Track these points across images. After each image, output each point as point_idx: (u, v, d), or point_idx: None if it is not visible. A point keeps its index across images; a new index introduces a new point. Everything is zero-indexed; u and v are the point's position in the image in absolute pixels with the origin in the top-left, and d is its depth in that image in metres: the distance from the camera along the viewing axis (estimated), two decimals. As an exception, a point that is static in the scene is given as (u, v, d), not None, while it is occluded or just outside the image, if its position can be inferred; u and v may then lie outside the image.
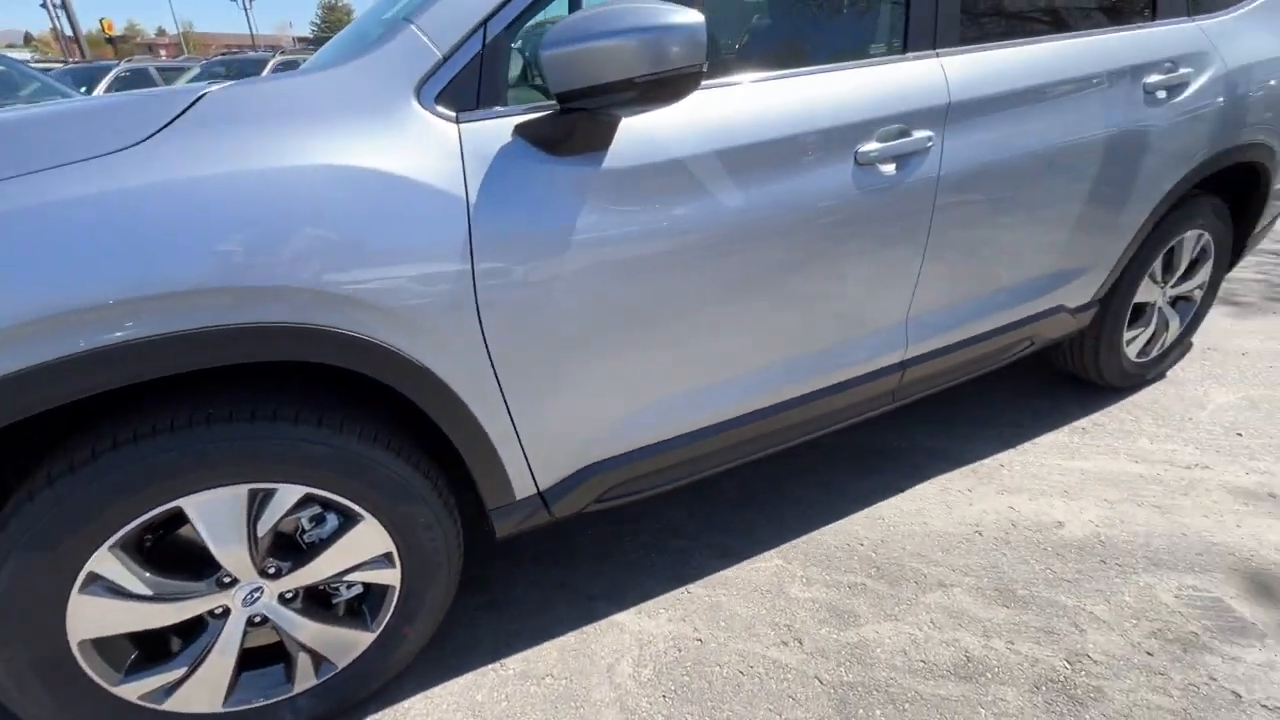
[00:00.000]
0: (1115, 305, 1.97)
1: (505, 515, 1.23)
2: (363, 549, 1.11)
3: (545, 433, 1.17)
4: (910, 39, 1.35)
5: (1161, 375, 2.30)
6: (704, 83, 1.16)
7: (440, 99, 0.97)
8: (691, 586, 1.50)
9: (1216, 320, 2.72)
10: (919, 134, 1.31)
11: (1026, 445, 1.96)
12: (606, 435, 1.25)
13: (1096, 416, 2.09)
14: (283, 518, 1.02)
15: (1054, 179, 1.56)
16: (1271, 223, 2.34)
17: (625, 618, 1.43)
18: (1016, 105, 1.44)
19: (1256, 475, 1.79)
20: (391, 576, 1.15)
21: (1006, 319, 1.71)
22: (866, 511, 1.71)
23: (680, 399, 1.30)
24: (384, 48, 0.96)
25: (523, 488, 1.21)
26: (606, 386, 1.19)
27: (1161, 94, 1.67)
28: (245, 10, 39.97)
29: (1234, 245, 2.23)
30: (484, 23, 0.98)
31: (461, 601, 1.46)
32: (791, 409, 1.45)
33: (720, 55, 1.33)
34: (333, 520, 1.09)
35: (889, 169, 1.30)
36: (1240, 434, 1.97)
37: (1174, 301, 2.19)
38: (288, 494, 1.00)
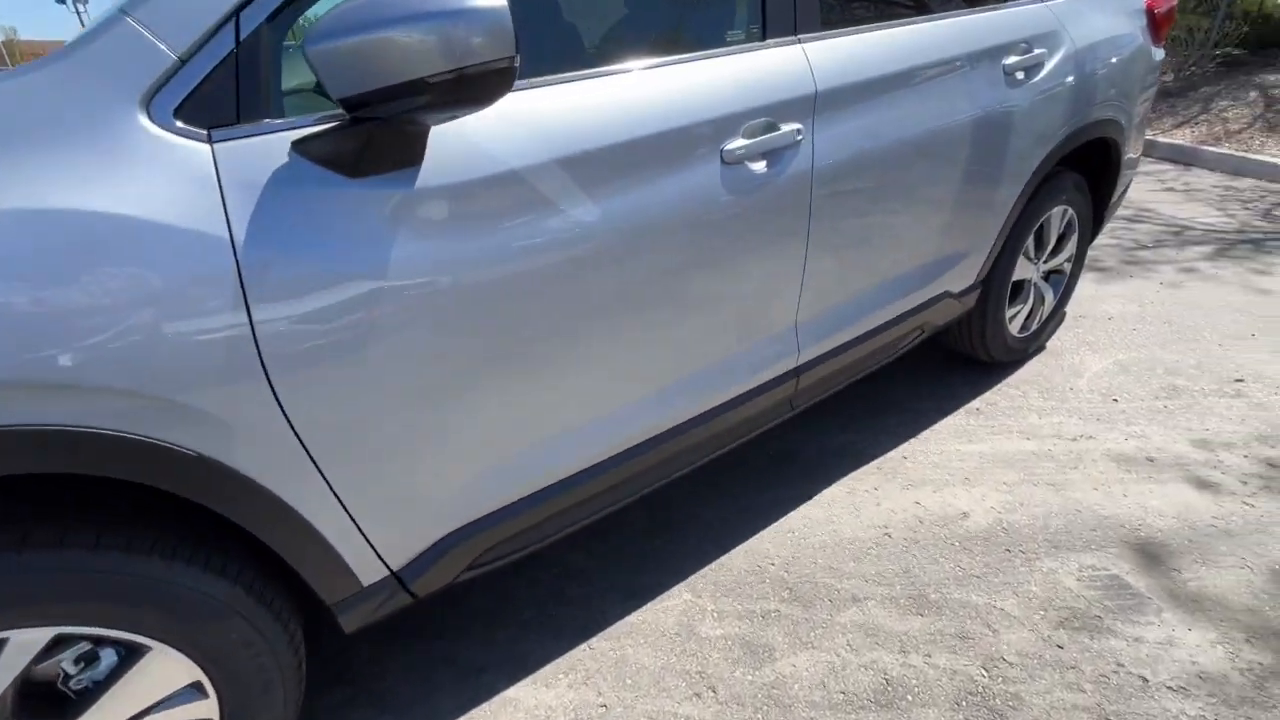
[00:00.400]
0: (996, 285, 1.99)
1: (352, 607, 1.02)
2: (157, 685, 0.87)
3: (387, 505, 0.98)
4: (769, 25, 1.25)
5: (1042, 347, 2.38)
6: (542, 80, 1.00)
7: (181, 113, 0.75)
8: (595, 641, 1.35)
9: (1082, 287, 2.87)
10: (787, 127, 1.21)
11: (926, 433, 1.94)
12: (469, 494, 1.07)
13: (988, 395, 2.11)
14: (27, 667, 0.78)
15: (928, 165, 1.52)
16: (1124, 193, 2.47)
17: (520, 692, 1.26)
18: (885, 92, 1.38)
19: (1135, 440, 1.85)
20: (206, 709, 0.93)
21: (896, 311, 1.67)
22: (776, 525, 1.63)
23: (555, 441, 1.14)
24: (90, 49, 0.73)
25: (370, 572, 1.01)
26: (460, 440, 1.01)
27: (1020, 75, 1.68)
28: (79, 14, 35.74)
29: (1094, 217, 2.34)
30: (235, 13, 0.77)
31: (319, 701, 1.24)
32: (685, 433, 1.32)
33: (561, 49, 1.17)
34: (109, 656, 0.85)
35: (759, 167, 1.19)
36: (1116, 399, 2.05)
37: (1047, 276, 2.26)
38: (24, 641, 0.76)
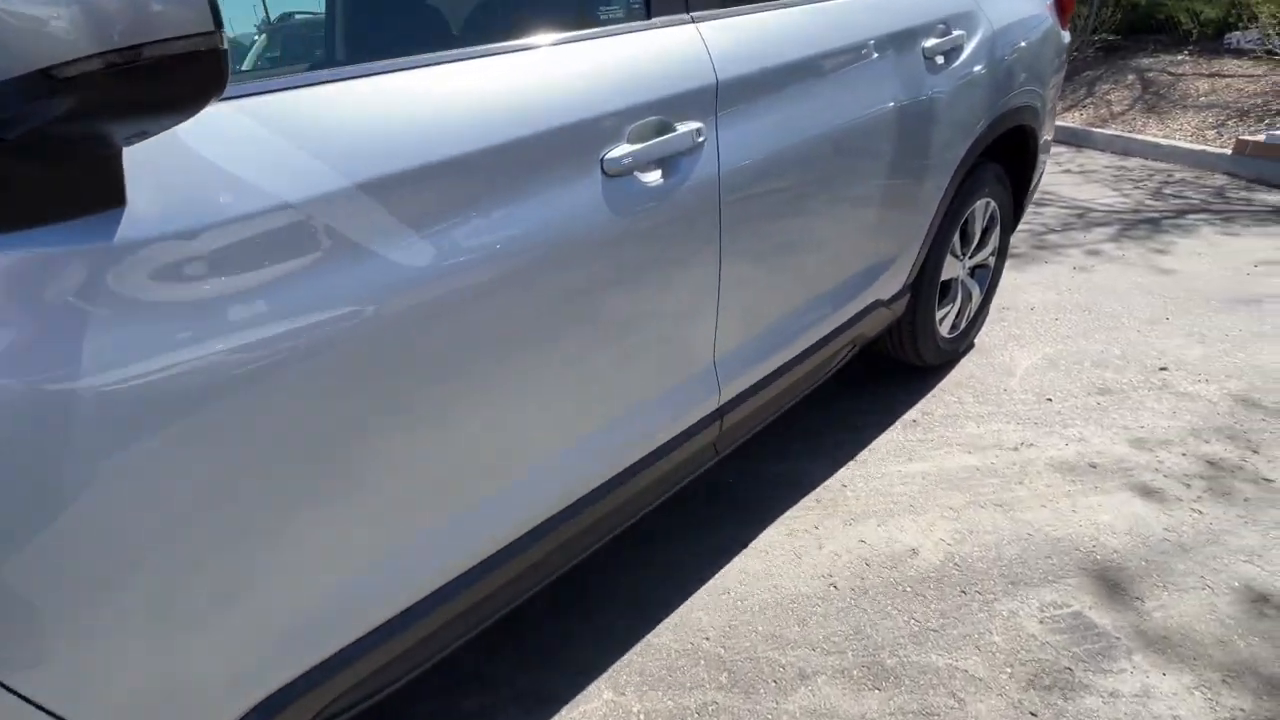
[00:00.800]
0: (925, 288, 1.85)
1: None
2: None
3: (169, 679, 0.68)
4: (655, 0, 1.01)
5: (972, 345, 2.28)
6: (335, 72, 0.72)
7: None
8: (495, 772, 1.09)
9: (1003, 277, 2.82)
10: (685, 127, 0.97)
11: (865, 454, 1.78)
12: (299, 636, 0.79)
13: (924, 404, 1.98)
14: None
15: (851, 164, 1.33)
16: (1039, 181, 2.41)
17: None
18: (798, 80, 1.17)
19: (1075, 445, 1.76)
20: None
21: (826, 329, 1.48)
22: (710, 585, 1.41)
23: (417, 544, 0.87)
24: None
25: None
26: (278, 566, 0.72)
27: (940, 59, 1.52)
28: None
29: (1014, 207, 2.26)
30: None
31: None
32: (590, 505, 1.07)
33: (369, 30, 0.89)
34: None
35: (652, 177, 0.95)
36: (1050, 399, 1.96)
37: (973, 272, 2.16)
38: None
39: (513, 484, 0.95)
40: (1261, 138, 3.95)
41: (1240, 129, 4.55)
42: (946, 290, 2.05)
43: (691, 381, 1.17)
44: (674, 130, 0.95)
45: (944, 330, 2.06)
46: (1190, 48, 6.36)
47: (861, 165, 1.37)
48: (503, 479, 0.93)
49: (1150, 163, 4.53)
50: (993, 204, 2.04)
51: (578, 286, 0.90)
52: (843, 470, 1.72)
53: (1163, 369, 2.07)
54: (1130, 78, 6.17)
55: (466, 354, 0.81)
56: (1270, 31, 4.64)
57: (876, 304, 1.64)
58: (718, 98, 1.01)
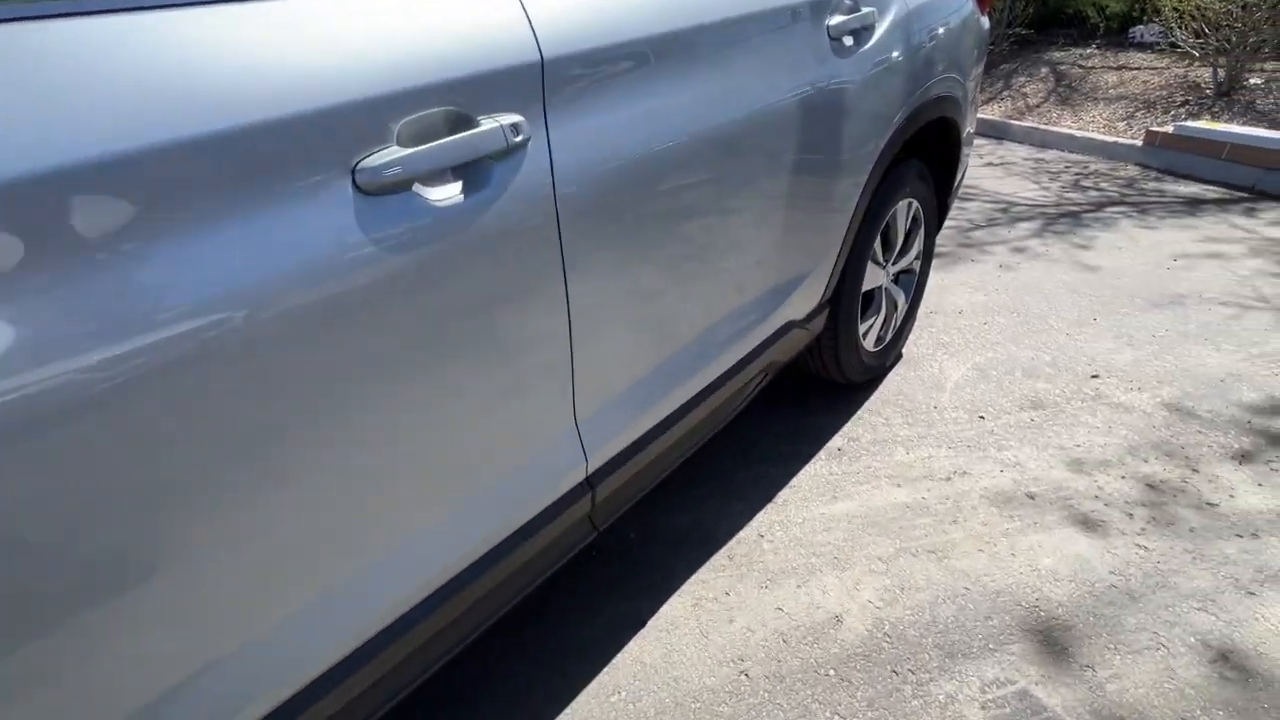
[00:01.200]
0: (846, 301, 1.64)
1: None
2: None
3: None
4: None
5: (900, 356, 2.11)
6: None
7: None
8: None
9: (930, 278, 2.69)
10: (494, 121, 0.70)
11: (784, 494, 1.57)
12: None
13: (850, 428, 1.79)
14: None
15: (744, 167, 1.09)
16: (964, 175, 2.27)
17: None
18: (666, 61, 0.92)
19: (1010, 471, 1.59)
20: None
21: (726, 364, 1.25)
22: (598, 682, 1.15)
23: (206, 682, 0.58)
24: None
25: None
26: None
27: (849, 40, 1.30)
28: None
29: (938, 206, 2.10)
30: None
31: None
32: (426, 617, 0.80)
33: None
34: None
35: (445, 193, 0.68)
36: (983, 416, 1.80)
37: (897, 278, 1.98)
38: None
39: (367, 570, 0.69)
40: (1170, 129, 4.01)
41: (1148, 120, 4.64)
42: (870, 301, 1.86)
43: (546, 451, 0.90)
44: (475, 125, 0.68)
45: (869, 344, 1.87)
46: (1098, 41, 6.55)
47: (757, 168, 1.13)
48: (356, 563, 0.67)
49: (1067, 155, 4.56)
50: (915, 204, 1.86)
51: (339, 349, 0.62)
52: (760, 516, 1.50)
53: (1094, 377, 1.94)
54: (1044, 71, 6.29)
55: (254, 436, 0.53)
56: (1172, 25, 4.75)
57: (790, 326, 1.42)
58: (544, 81, 0.75)
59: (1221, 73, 4.50)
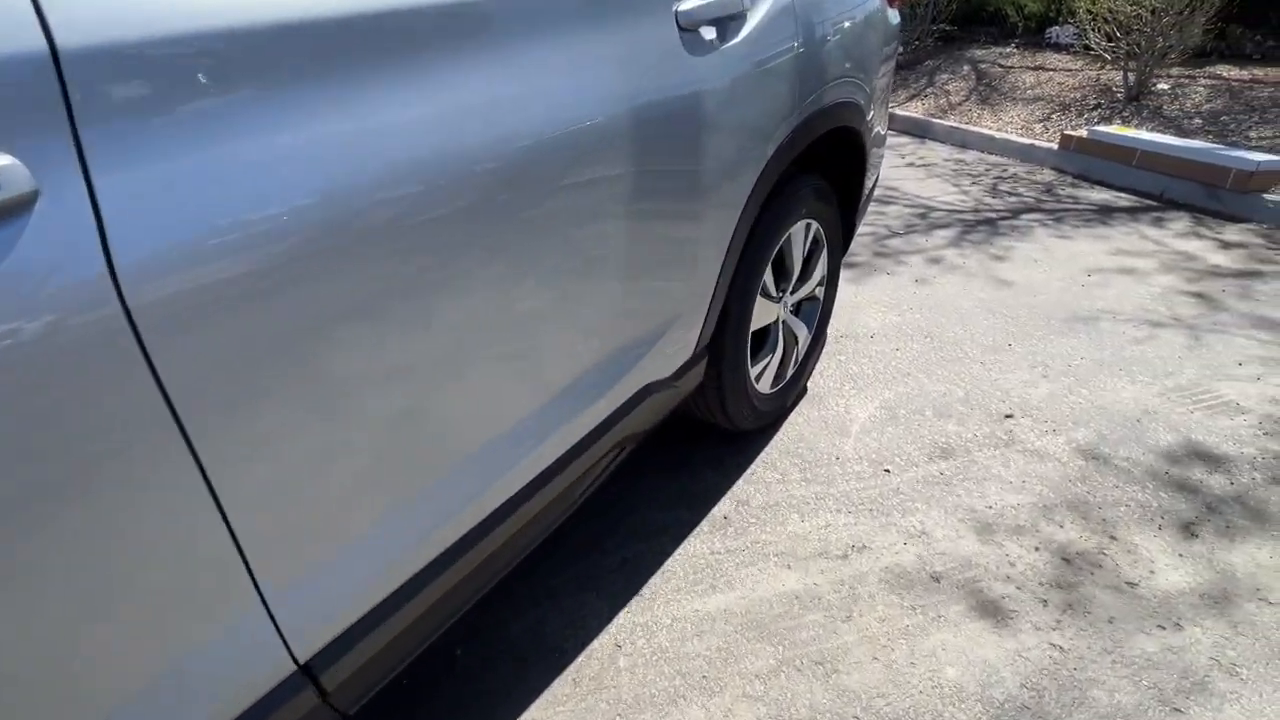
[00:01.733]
0: (729, 345, 1.38)
1: None
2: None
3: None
4: None
5: (804, 392, 1.89)
6: None
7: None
8: None
9: (840, 292, 2.49)
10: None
11: (655, 582, 1.30)
12: None
13: (740, 487, 1.54)
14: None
15: (547, 207, 0.79)
16: (873, 190, 2.05)
17: None
18: (376, 53, 0.61)
19: (914, 543, 1.38)
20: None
21: (541, 464, 0.94)
22: None
23: None
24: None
25: None
26: None
27: (709, 33, 1.02)
28: None
29: (844, 225, 1.87)
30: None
31: None
32: None
33: None
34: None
35: None
36: (888, 469, 1.59)
37: (798, 308, 1.75)
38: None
39: None
40: (1084, 133, 3.98)
41: (1064, 122, 4.63)
42: (764, 339, 1.61)
43: (216, 644, 0.59)
44: None
45: (764, 387, 1.63)
46: (1017, 41, 6.59)
47: (571, 207, 0.83)
48: None
49: (986, 156, 4.50)
50: (815, 225, 1.62)
51: None
52: (620, 617, 1.23)
53: (1008, 416, 1.77)
54: (966, 69, 6.27)
55: None
56: (1086, 27, 4.75)
57: (649, 390, 1.15)
58: (65, 90, 0.42)
59: (1132, 77, 4.53)
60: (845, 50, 1.45)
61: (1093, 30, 4.68)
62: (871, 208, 3.48)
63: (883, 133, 1.93)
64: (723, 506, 1.49)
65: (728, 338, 1.36)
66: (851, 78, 1.47)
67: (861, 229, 3.17)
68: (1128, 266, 2.65)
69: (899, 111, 5.62)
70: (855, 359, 2.05)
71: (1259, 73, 4.47)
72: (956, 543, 1.38)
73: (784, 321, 1.65)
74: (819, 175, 1.56)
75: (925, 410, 1.80)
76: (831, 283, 1.84)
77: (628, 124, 0.87)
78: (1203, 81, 4.56)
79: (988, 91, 5.59)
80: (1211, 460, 1.59)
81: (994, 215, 3.29)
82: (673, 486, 1.55)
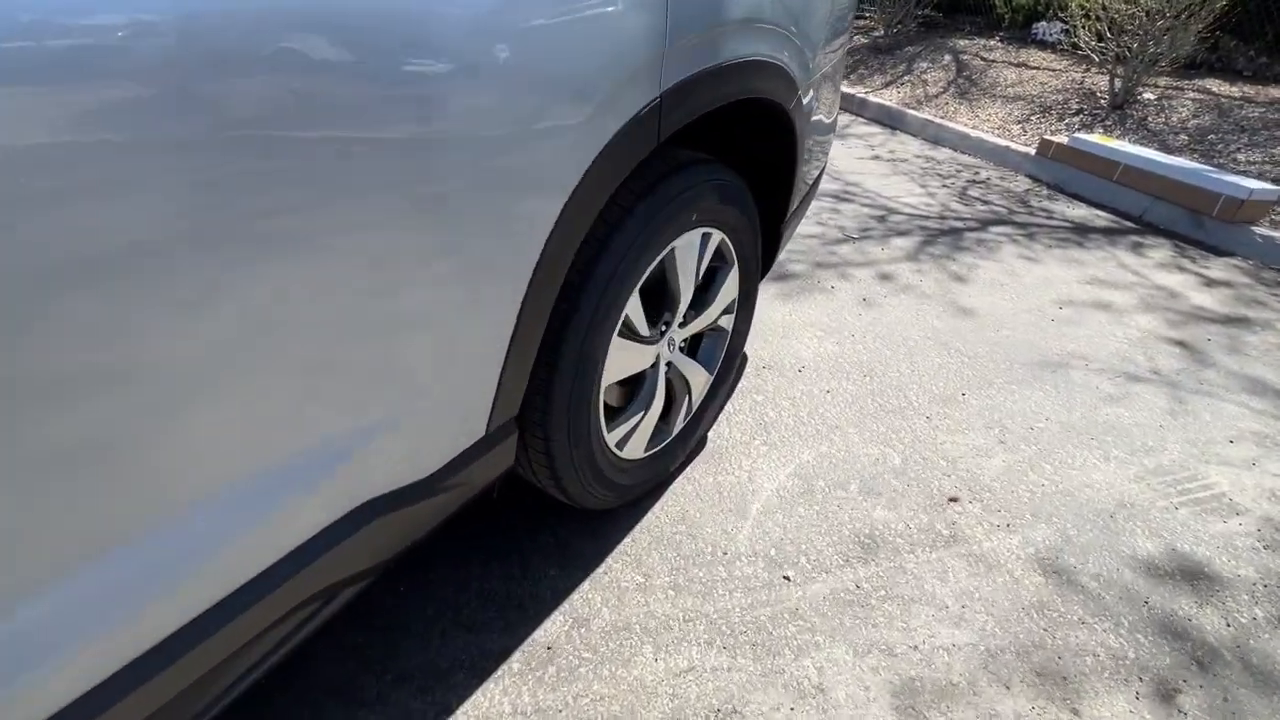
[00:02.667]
0: (556, 412, 0.93)
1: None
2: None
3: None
4: None
5: (702, 444, 1.46)
6: None
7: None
8: None
9: (772, 307, 2.06)
10: None
11: (410, 772, 0.87)
12: None
13: (582, 595, 1.11)
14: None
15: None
16: (813, 191, 1.61)
17: None
18: None
19: (805, 709, 0.98)
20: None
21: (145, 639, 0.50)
22: None
23: None
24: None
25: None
26: None
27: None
28: None
29: (766, 235, 1.42)
30: None
31: None
32: None
33: None
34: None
35: None
36: (789, 576, 1.18)
37: (694, 344, 1.31)
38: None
39: None
40: (1064, 140, 3.61)
41: (1043, 126, 4.28)
42: (636, 388, 1.17)
43: None
44: None
45: (633, 451, 1.19)
46: (1001, 33, 6.20)
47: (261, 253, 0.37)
48: None
49: (959, 155, 4.11)
50: (719, 235, 1.17)
51: None
52: (334, 844, 0.79)
53: (953, 500, 1.38)
54: (947, 58, 5.86)
55: None
56: (1076, 24, 4.37)
57: (377, 508, 0.69)
58: None
59: (1118, 82, 4.18)
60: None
61: (1083, 28, 4.30)
62: (825, 205, 3.05)
63: (827, 120, 1.48)
64: (551, 627, 1.05)
65: (554, 402, 0.90)
66: (776, 26, 1.01)
67: (809, 229, 2.74)
68: (1103, 300, 2.30)
69: (871, 98, 5.18)
70: (775, 400, 1.63)
71: (1250, 90, 4.18)
72: (863, 712, 0.98)
73: (668, 364, 1.20)
74: (726, 167, 1.11)
75: (850, 484, 1.39)
76: (745, 309, 1.40)
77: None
78: (1191, 95, 4.25)
79: (967, 85, 5.20)
80: (1202, 585, 1.23)
81: (960, 225, 2.91)
82: (488, 587, 1.11)
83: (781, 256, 2.45)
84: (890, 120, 4.90)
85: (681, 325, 1.20)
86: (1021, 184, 3.57)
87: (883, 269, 2.43)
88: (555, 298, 0.80)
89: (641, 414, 1.16)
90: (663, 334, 1.14)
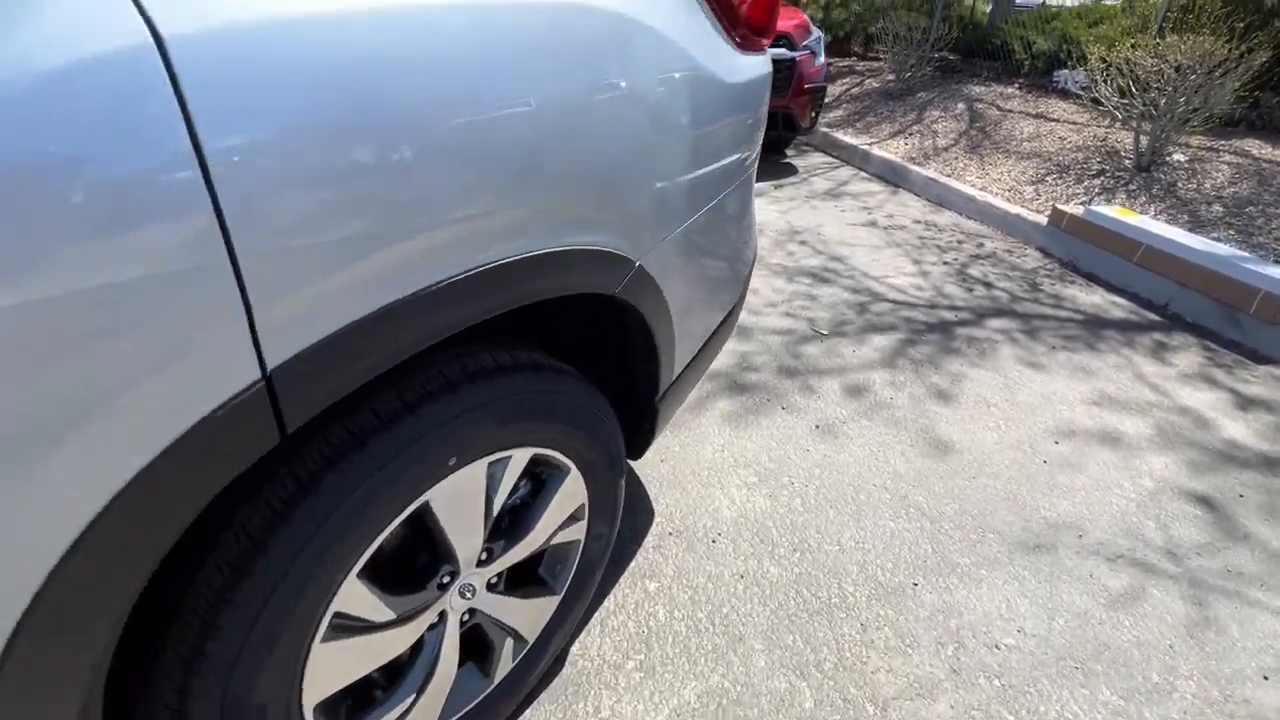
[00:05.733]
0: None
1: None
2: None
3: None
4: None
5: (562, 659, 1.13)
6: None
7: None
8: None
9: (700, 437, 1.72)
10: None
11: None
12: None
13: None
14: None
15: None
16: (722, 332, 1.29)
17: None
18: None
19: None
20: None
21: None
22: None
23: None
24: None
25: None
26: None
27: None
28: None
29: (639, 405, 1.10)
30: None
31: None
32: None
33: None
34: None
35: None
36: None
37: (514, 580, 0.99)
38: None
39: None
40: (1079, 211, 3.24)
41: (1059, 189, 3.89)
42: (410, 661, 0.85)
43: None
44: None
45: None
46: (1021, 80, 5.84)
47: None
48: None
49: (963, 221, 3.75)
50: (529, 452, 0.86)
51: None
52: None
53: (872, 782, 1.03)
54: (960, 106, 5.51)
55: None
56: (1098, 78, 4.00)
57: None
58: None
59: (1144, 141, 3.79)
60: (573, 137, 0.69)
61: (1104, 82, 3.93)
62: (801, 288, 2.72)
63: (722, 253, 1.17)
64: None
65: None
66: (549, 202, 0.71)
67: (776, 323, 2.42)
68: (1112, 431, 1.91)
69: (875, 151, 4.86)
70: (671, 591, 1.30)
71: (1296, 154, 3.75)
72: None
73: (468, 614, 0.89)
74: (540, 361, 0.81)
75: (737, 747, 1.05)
76: (604, 510, 1.07)
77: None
78: (1227, 157, 3.83)
79: (980, 137, 4.84)
80: None
81: (952, 317, 2.55)
82: None
83: (735, 360, 2.13)
84: (893, 177, 4.56)
85: (483, 563, 0.88)
86: (1030, 259, 3.20)
87: (852, 379, 2.09)
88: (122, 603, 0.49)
89: (411, 698, 0.84)
90: (447, 585, 0.83)
